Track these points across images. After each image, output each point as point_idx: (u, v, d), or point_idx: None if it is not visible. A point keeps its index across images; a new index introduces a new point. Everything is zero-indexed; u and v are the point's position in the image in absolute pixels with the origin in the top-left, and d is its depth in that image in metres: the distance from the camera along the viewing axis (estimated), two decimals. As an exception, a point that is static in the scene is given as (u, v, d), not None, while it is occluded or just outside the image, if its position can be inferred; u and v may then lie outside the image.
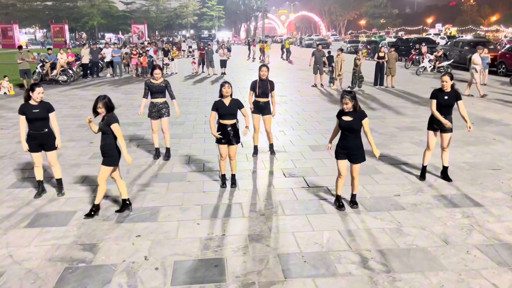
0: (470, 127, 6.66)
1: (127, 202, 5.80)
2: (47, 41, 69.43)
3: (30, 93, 5.99)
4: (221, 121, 6.46)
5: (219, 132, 6.39)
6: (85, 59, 21.87)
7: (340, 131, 5.67)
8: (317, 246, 4.85)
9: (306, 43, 59.09)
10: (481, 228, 5.24)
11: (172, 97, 8.01)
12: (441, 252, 4.69)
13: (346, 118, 5.50)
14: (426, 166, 6.98)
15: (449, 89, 6.61)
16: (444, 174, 6.94)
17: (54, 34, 60.23)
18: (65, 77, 19.55)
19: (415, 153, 8.31)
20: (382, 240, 4.98)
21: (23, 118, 6.05)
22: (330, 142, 5.99)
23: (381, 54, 17.59)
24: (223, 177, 6.73)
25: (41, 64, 19.94)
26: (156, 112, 7.91)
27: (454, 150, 8.46)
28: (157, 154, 8.15)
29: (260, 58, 33.24)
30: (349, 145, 5.56)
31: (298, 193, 6.41)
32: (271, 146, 8.39)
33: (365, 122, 5.51)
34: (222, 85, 6.43)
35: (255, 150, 8.35)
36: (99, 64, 23.48)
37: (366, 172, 7.27)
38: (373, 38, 50.83)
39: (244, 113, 6.59)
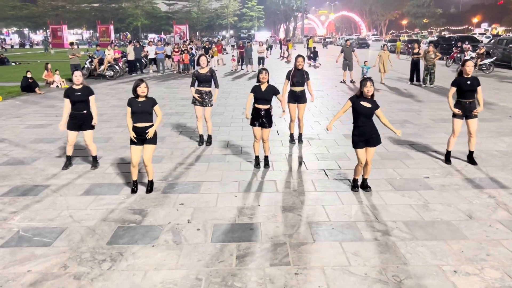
0: (478, 111, 6.93)
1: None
2: (93, 42, 72.30)
3: (73, 77, 6.94)
4: (256, 105, 6.91)
5: (252, 113, 6.90)
6: (131, 56, 22.88)
7: (347, 115, 5.86)
8: (346, 217, 5.21)
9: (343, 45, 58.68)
10: (506, 207, 5.44)
11: (216, 85, 8.40)
12: (464, 225, 4.95)
13: (366, 104, 5.66)
14: (450, 151, 7.26)
15: (470, 74, 6.90)
16: (470, 158, 7.20)
17: (100, 34, 62.71)
18: (111, 72, 20.59)
19: (448, 142, 8.47)
20: (408, 214, 5.28)
21: (67, 100, 6.88)
22: (332, 122, 6.00)
23: (415, 50, 17.61)
24: (256, 159, 7.17)
25: (89, 60, 21.09)
26: (201, 99, 8.37)
27: (488, 140, 8.58)
28: (201, 140, 8.62)
29: (282, 55, 34.23)
30: (367, 130, 5.70)
31: (330, 174, 6.77)
32: (300, 135, 8.73)
33: (380, 111, 5.74)
34: (259, 72, 6.89)
35: (291, 138, 8.73)
36: (142, 61, 24.49)
37: (397, 157, 7.54)
38: (414, 37, 49.95)
39: (279, 98, 7.01)
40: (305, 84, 8.35)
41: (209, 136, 8.66)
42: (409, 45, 36.47)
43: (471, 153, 7.18)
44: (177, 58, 23.77)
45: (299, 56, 8.31)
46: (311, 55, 27.98)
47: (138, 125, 5.81)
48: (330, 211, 5.37)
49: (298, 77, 8.23)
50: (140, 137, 5.85)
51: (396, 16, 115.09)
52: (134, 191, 6.06)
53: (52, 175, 6.84)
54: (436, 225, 4.96)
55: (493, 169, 6.90)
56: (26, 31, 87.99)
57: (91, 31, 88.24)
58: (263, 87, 6.86)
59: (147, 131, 5.83)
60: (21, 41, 77.86)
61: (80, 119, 6.92)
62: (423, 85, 16.83)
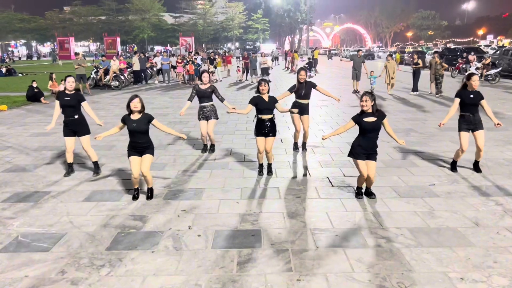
0: (499, 124, 6.80)
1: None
2: (100, 53, 73.03)
3: (66, 83, 6.93)
4: (260, 116, 6.87)
5: (256, 124, 6.87)
6: (136, 67, 22.99)
7: (355, 130, 5.75)
8: (349, 224, 5.11)
9: (351, 54, 58.88)
10: (514, 214, 5.32)
11: (222, 99, 8.27)
12: (471, 232, 4.84)
13: (370, 119, 5.58)
14: (456, 161, 7.17)
15: (474, 89, 6.82)
16: (475, 166, 7.11)
17: (107, 46, 63.31)
18: (117, 83, 20.68)
19: (454, 150, 8.34)
20: (413, 221, 5.18)
21: (57, 102, 6.93)
22: (329, 135, 5.93)
23: (415, 61, 17.87)
24: (260, 166, 7.11)
25: (95, 70, 21.22)
26: (204, 114, 8.31)
27: (495, 149, 8.47)
28: (204, 149, 8.57)
29: (287, 66, 34.39)
30: (371, 145, 5.64)
31: (334, 181, 6.68)
32: (304, 143, 8.67)
33: (386, 120, 5.67)
34: (259, 83, 6.86)
35: (295, 146, 8.67)
36: (148, 72, 24.61)
37: (402, 165, 7.45)
38: (419, 49, 50.07)
39: (277, 107, 6.94)
40: (311, 95, 8.30)
41: (212, 145, 8.61)
42: (414, 56, 36.48)
43: (476, 162, 7.08)
44: (180, 69, 23.87)
45: (301, 69, 8.32)
46: (307, 65, 28.39)
47: (135, 141, 5.81)
48: (334, 218, 5.27)
49: (301, 90, 8.20)
50: (138, 150, 5.83)
51: (401, 29, 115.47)
52: (135, 197, 6.00)
53: (54, 182, 6.80)
54: (442, 232, 4.85)
55: (500, 177, 6.79)
56: (33, 43, 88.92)
57: (98, 44, 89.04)
58: (265, 97, 6.83)
59: (145, 147, 5.86)
60: (28, 53, 78.68)
61: (73, 125, 6.91)
62: (437, 95, 16.77)
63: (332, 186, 6.47)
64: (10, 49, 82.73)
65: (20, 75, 30.49)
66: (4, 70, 30.70)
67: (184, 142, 9.41)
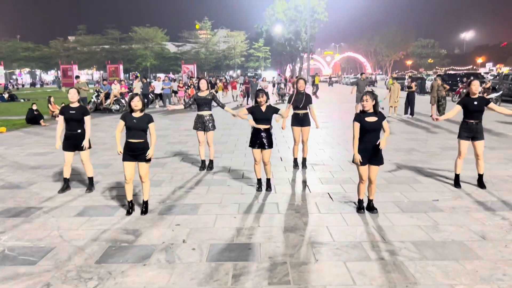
0: None
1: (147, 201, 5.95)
2: (102, 80, 73.69)
3: (68, 95, 6.81)
4: (256, 126, 6.74)
5: (252, 134, 6.75)
6: (137, 91, 23.02)
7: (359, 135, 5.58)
8: (351, 237, 4.91)
9: (351, 81, 59.30)
10: (522, 228, 5.11)
11: (222, 106, 8.20)
12: (478, 245, 4.63)
13: (372, 119, 5.45)
14: (459, 174, 6.98)
15: (477, 94, 6.70)
16: (479, 182, 6.91)
17: (110, 74, 63.81)
18: (117, 106, 20.67)
19: (456, 167, 8.18)
20: (417, 234, 4.97)
21: (61, 117, 6.79)
22: (358, 152, 5.55)
23: (408, 85, 18.17)
24: (258, 181, 6.93)
25: (96, 94, 21.27)
26: (201, 124, 8.22)
27: (499, 166, 8.31)
28: (202, 166, 8.41)
29: (287, 92, 34.61)
30: (371, 147, 5.49)
31: (335, 197, 6.49)
32: (304, 160, 8.51)
33: (385, 122, 5.54)
34: (256, 94, 6.74)
35: (295, 163, 8.50)
36: (149, 96, 24.66)
37: (405, 182, 7.26)
38: (419, 75, 50.69)
39: (281, 113, 6.83)
40: (308, 108, 8.19)
41: (211, 161, 8.45)
42: (414, 82, 36.67)
43: (480, 176, 6.89)
44: (182, 93, 23.96)
45: (300, 78, 8.24)
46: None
47: (131, 140, 5.66)
48: (334, 232, 5.07)
49: (299, 100, 8.08)
50: (133, 153, 5.67)
51: (401, 57, 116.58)
52: (129, 212, 5.80)
53: (47, 198, 6.62)
54: (447, 245, 4.63)
55: (505, 192, 6.59)
56: (37, 71, 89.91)
57: (102, 72, 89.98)
58: (263, 107, 6.72)
59: (142, 150, 5.68)
60: (32, 81, 79.45)
61: (75, 139, 6.78)
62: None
63: (333, 201, 6.28)
64: (14, 77, 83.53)
65: (22, 100, 30.61)
66: (6, 96, 30.85)
67: (182, 161, 9.25)
